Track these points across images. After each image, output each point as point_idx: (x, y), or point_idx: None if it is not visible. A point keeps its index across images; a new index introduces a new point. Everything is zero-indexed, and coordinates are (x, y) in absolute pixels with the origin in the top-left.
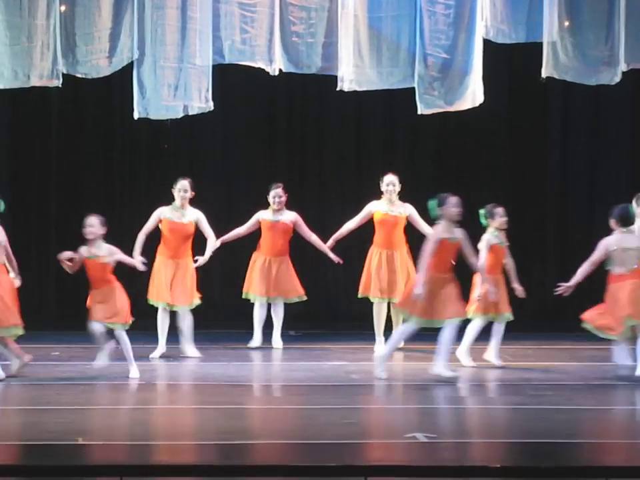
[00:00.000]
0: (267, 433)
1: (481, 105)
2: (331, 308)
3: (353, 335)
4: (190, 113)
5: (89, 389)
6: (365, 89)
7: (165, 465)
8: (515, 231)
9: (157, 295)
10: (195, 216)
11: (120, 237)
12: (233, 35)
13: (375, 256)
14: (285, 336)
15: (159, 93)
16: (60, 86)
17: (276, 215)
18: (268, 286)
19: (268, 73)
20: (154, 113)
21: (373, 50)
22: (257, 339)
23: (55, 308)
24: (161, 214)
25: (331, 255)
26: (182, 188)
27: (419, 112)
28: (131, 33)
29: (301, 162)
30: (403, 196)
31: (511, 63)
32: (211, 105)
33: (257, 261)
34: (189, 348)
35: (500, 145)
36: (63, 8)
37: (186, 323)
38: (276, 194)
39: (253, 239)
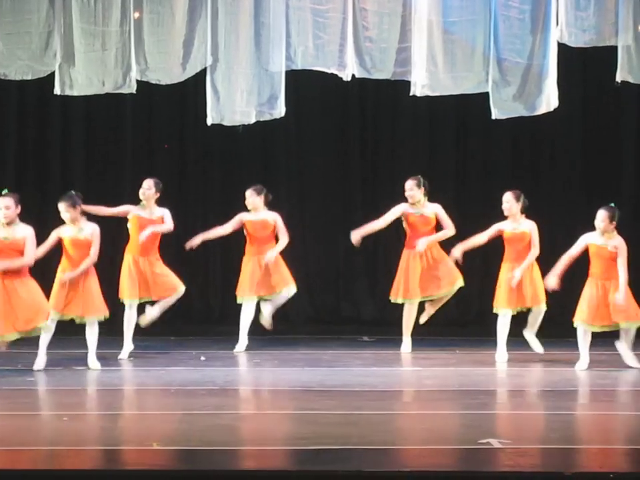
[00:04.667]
0: (335, 437)
1: (555, 109)
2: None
3: (426, 341)
4: (262, 119)
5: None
6: (438, 93)
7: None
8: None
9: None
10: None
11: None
12: (306, 40)
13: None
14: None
15: (232, 98)
16: (134, 92)
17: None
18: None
19: (341, 78)
20: (227, 118)
21: (447, 55)
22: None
23: None
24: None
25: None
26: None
27: (493, 117)
28: (205, 39)
29: (373, 167)
30: (478, 200)
31: (585, 67)
32: (282, 111)
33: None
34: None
35: (574, 149)
36: (136, 15)
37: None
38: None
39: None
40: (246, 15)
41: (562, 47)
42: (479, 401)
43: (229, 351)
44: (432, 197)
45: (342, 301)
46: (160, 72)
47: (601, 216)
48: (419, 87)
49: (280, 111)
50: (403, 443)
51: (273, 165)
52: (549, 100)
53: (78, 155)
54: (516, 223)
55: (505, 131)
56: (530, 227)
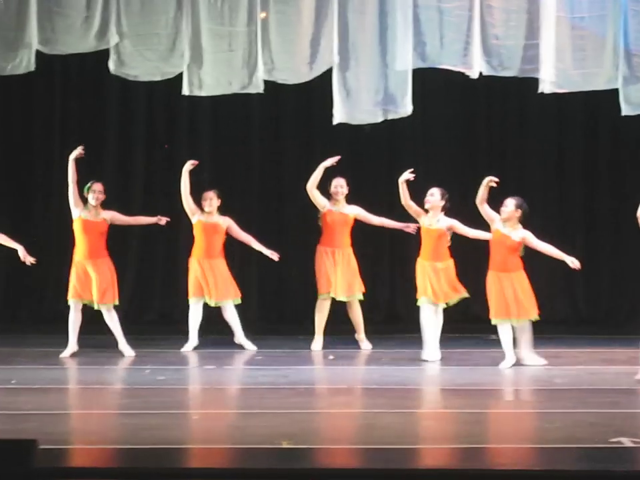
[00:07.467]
0: (468, 436)
1: None
2: None
3: (556, 339)
4: (389, 118)
5: (292, 393)
6: (566, 90)
7: (369, 470)
8: None
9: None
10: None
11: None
12: (433, 39)
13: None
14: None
15: (359, 98)
16: (262, 92)
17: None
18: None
19: (467, 76)
20: (354, 118)
21: (576, 51)
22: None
23: (258, 311)
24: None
25: (266, 252)
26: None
27: (623, 113)
28: (331, 38)
29: (501, 165)
30: (608, 199)
31: None
32: (409, 110)
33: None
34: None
35: None
36: (263, 15)
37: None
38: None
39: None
40: (372, 13)
41: None
42: (610, 400)
43: (356, 349)
44: (562, 195)
45: (470, 299)
46: (287, 71)
47: None
48: (547, 84)
49: (406, 109)
50: (532, 442)
51: (399, 164)
52: None
53: (206, 155)
54: None
55: (636, 128)
56: None
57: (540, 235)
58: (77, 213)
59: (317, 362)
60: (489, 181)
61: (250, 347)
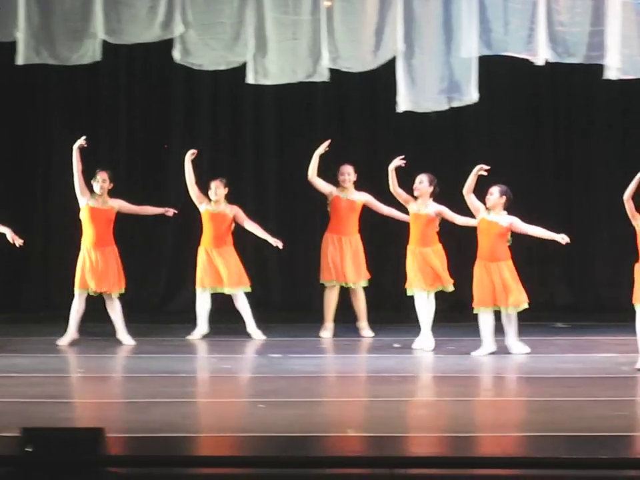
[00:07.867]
0: (534, 424)
1: None
2: (599, 299)
3: (621, 327)
4: (454, 105)
5: (357, 381)
6: (632, 76)
7: (434, 457)
8: None
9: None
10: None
11: (391, 232)
12: (498, 26)
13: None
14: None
15: (425, 85)
16: (327, 80)
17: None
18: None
19: (531, 63)
20: (419, 106)
21: None
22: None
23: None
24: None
25: (271, 240)
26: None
27: None
28: (396, 26)
29: (567, 151)
30: None
31: None
32: (474, 97)
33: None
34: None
35: None
36: (327, 3)
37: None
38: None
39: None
40: (437, 1)
41: None
42: None
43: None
44: (628, 180)
45: (537, 286)
46: (351, 60)
47: None
48: (613, 71)
49: (471, 97)
50: (595, 430)
51: (463, 152)
52: None
53: (270, 143)
54: None
55: None
56: None
57: (604, 221)
58: (84, 201)
59: (381, 351)
60: (479, 169)
61: (259, 336)
